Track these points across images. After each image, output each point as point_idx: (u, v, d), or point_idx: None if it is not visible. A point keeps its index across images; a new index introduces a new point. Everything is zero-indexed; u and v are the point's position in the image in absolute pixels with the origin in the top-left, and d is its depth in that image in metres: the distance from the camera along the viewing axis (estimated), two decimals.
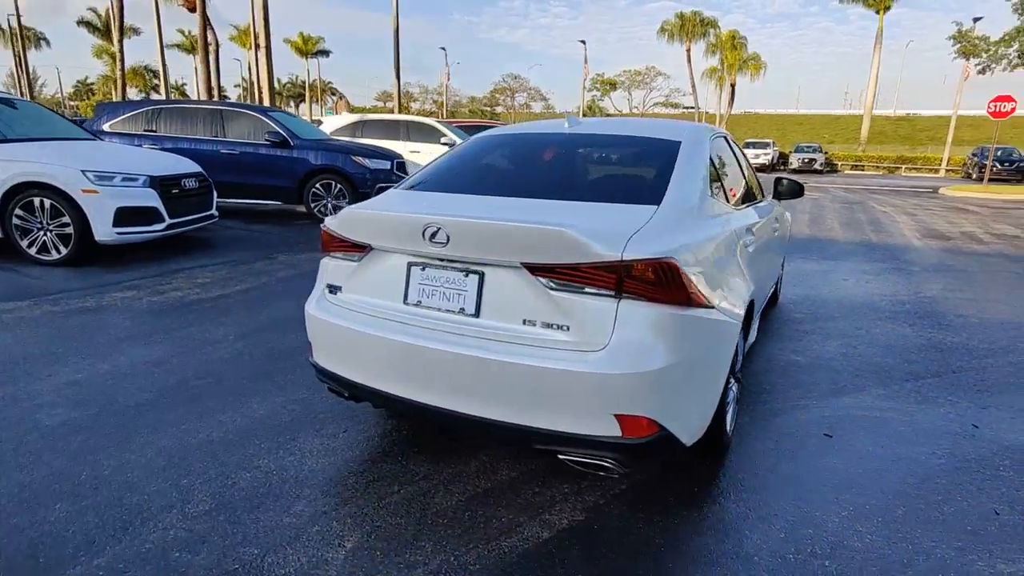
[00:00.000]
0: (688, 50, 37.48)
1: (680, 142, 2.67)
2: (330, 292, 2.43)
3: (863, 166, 37.01)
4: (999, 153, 29.58)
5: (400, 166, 9.25)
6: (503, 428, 2.02)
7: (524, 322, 1.97)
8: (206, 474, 2.35)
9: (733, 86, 34.62)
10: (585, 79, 35.75)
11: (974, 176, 28.53)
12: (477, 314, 2.04)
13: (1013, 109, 19.62)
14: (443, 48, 73.86)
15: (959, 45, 20.52)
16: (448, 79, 47.30)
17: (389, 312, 2.21)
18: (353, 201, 8.08)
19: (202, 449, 2.52)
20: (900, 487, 2.39)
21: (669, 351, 1.90)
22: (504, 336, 1.98)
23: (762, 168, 33.31)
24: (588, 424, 1.90)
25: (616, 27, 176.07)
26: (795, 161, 33.39)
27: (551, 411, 1.93)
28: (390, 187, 2.88)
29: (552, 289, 1.93)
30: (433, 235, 2.04)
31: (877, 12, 37.20)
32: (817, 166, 32.88)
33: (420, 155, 11.18)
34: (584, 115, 36.54)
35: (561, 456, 2.01)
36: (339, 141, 9.74)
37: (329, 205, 8.70)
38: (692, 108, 40.51)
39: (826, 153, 34.59)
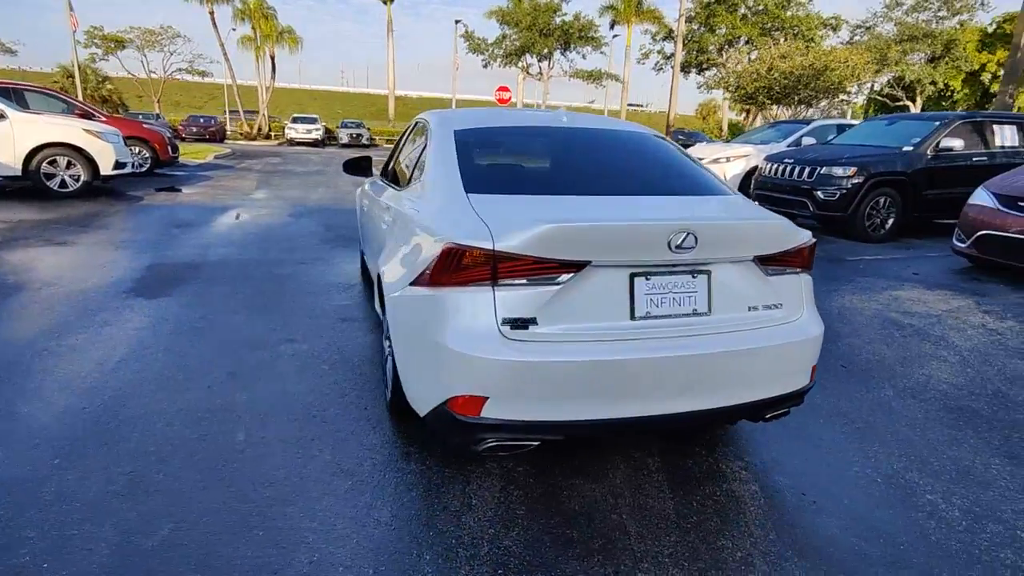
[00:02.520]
0: (211, 13, 34.09)
1: (662, 136, 3.13)
2: (515, 328, 1.96)
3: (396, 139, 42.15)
4: None
5: None
6: (721, 413, 2.20)
7: (749, 308, 2.19)
8: None
9: (273, 58, 33.60)
10: (74, 31, 28.64)
11: None
12: (709, 311, 2.12)
13: (510, 98, 25.88)
14: None
15: (468, 43, 25.64)
16: None
17: (614, 332, 2.01)
18: None
19: None
20: None
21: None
22: (736, 326, 2.15)
23: (315, 143, 34.06)
24: (796, 381, 2.30)
25: None
26: (344, 136, 35.28)
27: (773, 380, 2.24)
28: None
29: (768, 274, 2.21)
30: (681, 242, 1.99)
31: (384, 3, 42.09)
32: (364, 141, 35.63)
33: None
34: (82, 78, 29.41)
35: (769, 417, 2.34)
36: None
37: None
38: (225, 81, 37.38)
39: (368, 129, 37.74)
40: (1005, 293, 5.41)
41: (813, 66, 16.43)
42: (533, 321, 1.97)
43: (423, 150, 3.00)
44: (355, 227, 5.51)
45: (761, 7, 22.37)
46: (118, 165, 9.35)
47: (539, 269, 1.95)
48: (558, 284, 1.97)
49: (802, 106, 17.82)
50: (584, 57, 26.72)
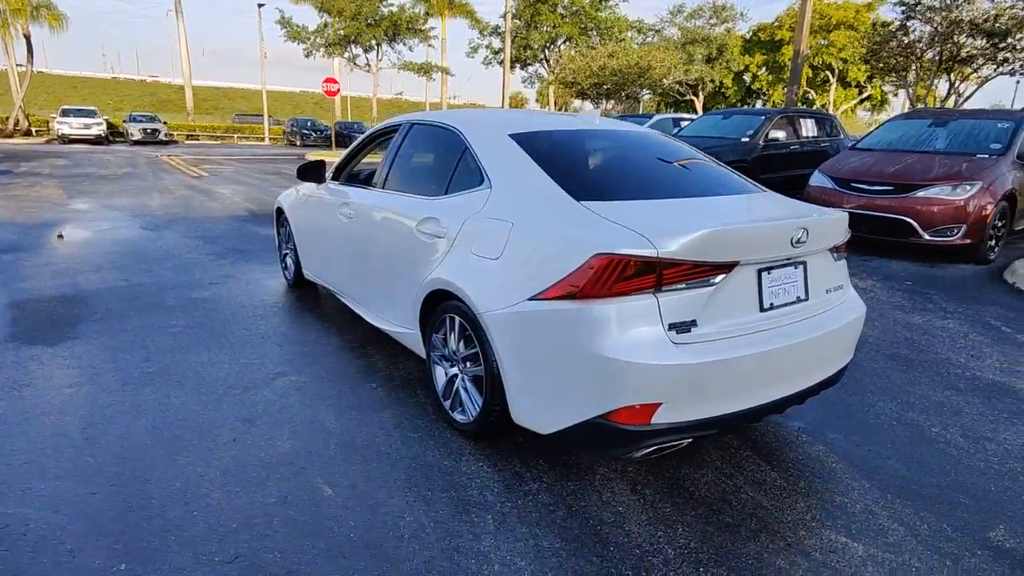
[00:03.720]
0: None
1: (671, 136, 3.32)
2: (680, 332, 2.00)
3: (198, 135, 37.53)
4: (309, 124, 36.24)
5: None
6: (811, 390, 2.44)
7: (827, 292, 2.47)
8: None
9: (28, 38, 27.42)
10: None
11: (298, 143, 34.09)
12: (807, 297, 2.36)
13: (338, 90, 24.60)
14: None
15: (287, 30, 23.64)
16: None
17: (751, 325, 2.16)
18: None
19: None
20: None
21: None
22: (823, 308, 2.43)
23: (98, 140, 29.00)
24: (850, 354, 2.64)
25: None
26: (135, 132, 30.43)
27: (843, 354, 2.55)
28: None
29: (836, 259, 2.51)
30: (800, 237, 2.19)
31: None
32: (162, 136, 31.19)
33: None
34: None
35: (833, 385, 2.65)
36: None
37: None
38: None
39: (165, 123, 33.08)
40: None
41: (639, 64, 18.34)
42: (694, 323, 2.03)
43: (459, 156, 2.82)
44: (241, 237, 4.97)
45: (576, 8, 24.14)
46: None
47: (698, 272, 2.01)
48: (712, 285, 2.05)
49: (628, 100, 19.79)
50: (411, 49, 26.34)
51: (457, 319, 2.56)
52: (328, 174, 4.13)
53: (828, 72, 33.03)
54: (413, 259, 2.85)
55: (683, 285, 2.00)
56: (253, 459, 2.41)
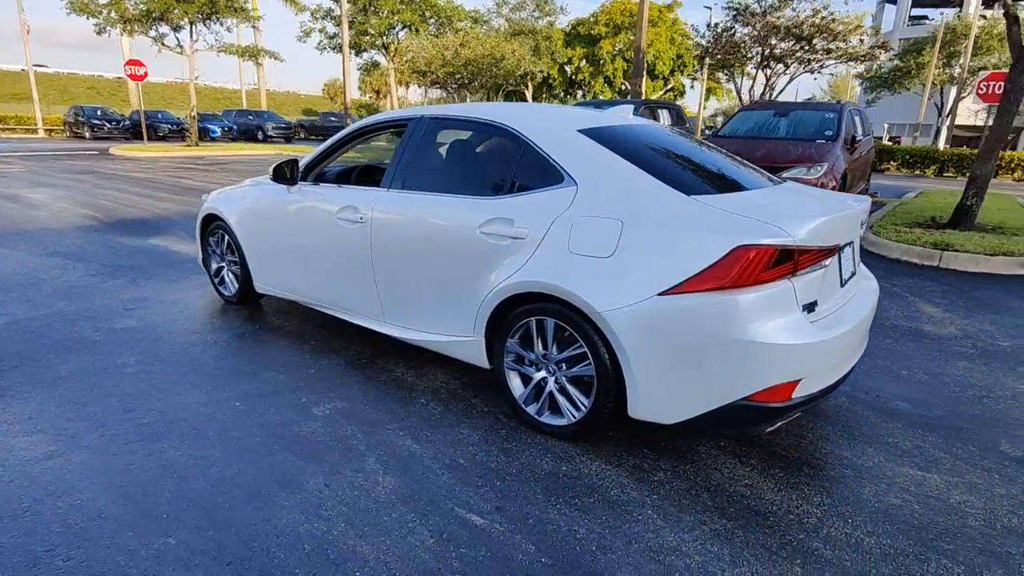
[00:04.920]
0: None
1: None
2: (809, 312, 2.20)
3: None
4: (100, 113, 31.00)
5: None
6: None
7: (855, 265, 2.83)
8: None
9: None
10: None
11: (87, 135, 29.07)
12: (856, 272, 2.70)
13: (145, 74, 21.37)
14: None
15: (71, 2, 19.70)
16: None
17: (841, 298, 2.43)
18: None
19: None
20: None
21: None
22: (859, 280, 2.79)
23: None
24: None
25: None
26: None
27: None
28: None
29: (860, 239, 2.90)
30: (864, 220, 2.51)
31: None
32: None
33: None
34: None
35: None
36: None
37: None
38: None
39: None
40: None
41: (492, 55, 18.50)
42: (816, 303, 2.24)
43: (518, 153, 2.71)
44: (113, 252, 4.32)
45: None
46: None
47: (820, 256, 2.21)
48: (824, 268, 2.27)
49: (482, 91, 19.95)
50: (229, 30, 23.62)
51: (550, 321, 2.50)
52: (269, 174, 3.69)
53: None
54: (475, 263, 2.70)
55: (809, 269, 2.20)
56: (370, 503, 2.14)
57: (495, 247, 2.64)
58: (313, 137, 34.94)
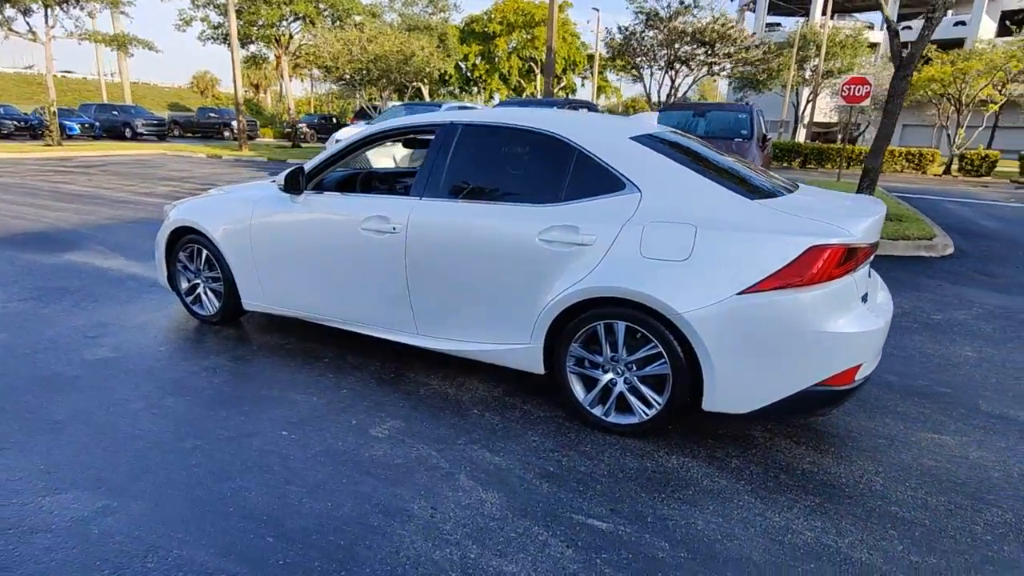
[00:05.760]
0: None
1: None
2: (864, 302, 2.46)
3: None
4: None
5: None
6: None
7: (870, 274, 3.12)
8: None
9: None
10: None
11: None
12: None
13: None
14: None
15: None
16: None
17: (872, 291, 2.72)
18: None
19: None
20: None
21: None
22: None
23: None
24: None
25: None
26: None
27: None
28: None
29: None
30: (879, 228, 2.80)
31: None
32: None
33: None
34: None
35: None
36: None
37: None
38: None
39: None
40: None
41: (401, 52, 17.94)
42: (867, 295, 2.50)
43: (571, 161, 2.73)
44: (37, 273, 4.01)
45: None
46: None
47: (868, 252, 2.47)
48: (868, 263, 2.53)
49: (390, 88, 19.28)
50: (92, 16, 21.00)
51: (621, 324, 2.58)
52: (279, 182, 3.46)
53: (532, 63, 37.35)
54: (534, 271, 2.71)
55: (861, 264, 2.45)
56: (488, 521, 2.10)
57: (557, 254, 2.66)
58: (190, 135, 32.18)
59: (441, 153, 3.06)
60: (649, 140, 2.81)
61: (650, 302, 2.46)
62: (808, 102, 28.86)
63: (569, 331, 2.70)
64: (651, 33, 14.89)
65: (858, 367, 2.40)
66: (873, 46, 34.35)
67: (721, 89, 41.54)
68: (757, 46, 16.00)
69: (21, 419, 2.67)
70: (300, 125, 28.74)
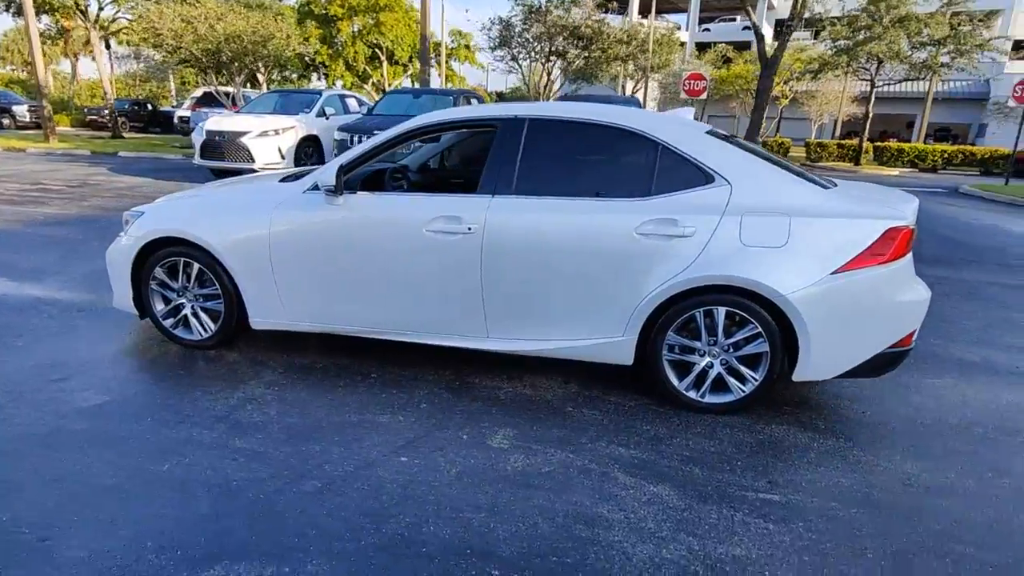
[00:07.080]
0: None
1: None
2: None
3: None
4: None
5: None
6: None
7: None
8: None
9: None
10: None
11: None
12: None
13: None
14: None
15: None
16: None
17: None
18: None
19: None
20: None
21: None
22: None
23: None
24: None
25: None
26: None
27: None
28: None
29: None
30: None
31: None
32: None
33: None
34: None
35: None
36: None
37: None
38: None
39: None
40: None
41: (259, 33, 16.02)
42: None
43: (655, 156, 2.80)
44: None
45: None
46: None
47: (914, 233, 2.88)
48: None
49: (242, 74, 17.12)
50: None
51: (720, 309, 2.73)
52: (309, 183, 3.11)
53: (378, 50, 36.01)
54: (631, 265, 2.75)
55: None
56: (682, 513, 2.13)
57: (655, 247, 2.73)
58: None
59: (509, 148, 2.95)
60: (718, 135, 2.99)
61: (757, 287, 2.64)
62: (634, 94, 31.43)
63: (665, 321, 2.80)
64: (534, 28, 15.25)
65: (914, 331, 2.81)
66: (683, 45, 38.36)
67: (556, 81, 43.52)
68: (627, 42, 17.22)
69: (72, 495, 2.11)
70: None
